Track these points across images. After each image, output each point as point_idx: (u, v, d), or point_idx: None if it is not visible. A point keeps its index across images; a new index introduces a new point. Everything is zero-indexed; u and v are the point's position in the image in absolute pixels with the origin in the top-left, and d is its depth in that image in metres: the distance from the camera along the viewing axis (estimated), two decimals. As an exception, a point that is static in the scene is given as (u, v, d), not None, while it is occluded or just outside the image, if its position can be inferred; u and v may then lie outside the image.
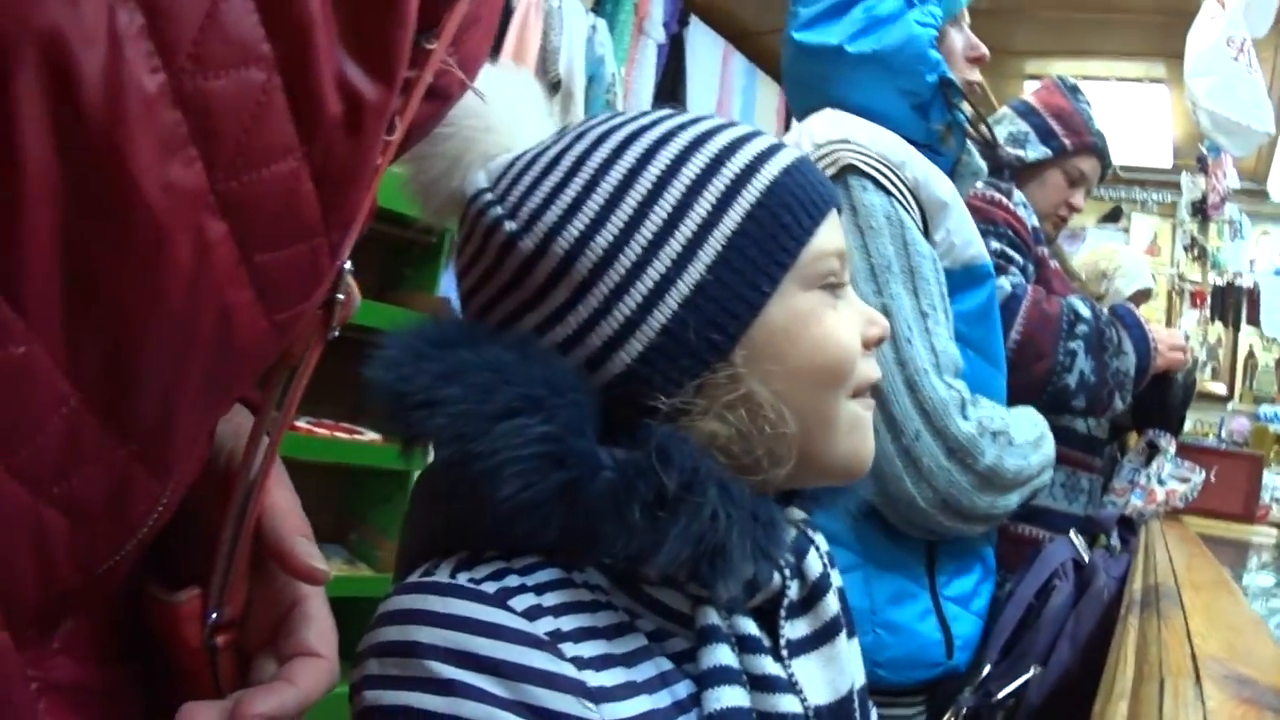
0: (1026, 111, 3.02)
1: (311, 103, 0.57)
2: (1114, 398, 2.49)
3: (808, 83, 1.97)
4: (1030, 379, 2.28)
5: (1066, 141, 2.97)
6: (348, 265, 0.72)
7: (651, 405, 0.92)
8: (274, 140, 0.57)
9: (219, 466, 0.77)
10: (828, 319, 0.98)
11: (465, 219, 1.00)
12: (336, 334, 0.75)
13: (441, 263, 3.40)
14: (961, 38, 1.98)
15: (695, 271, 0.93)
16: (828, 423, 0.98)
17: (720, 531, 0.85)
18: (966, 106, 1.99)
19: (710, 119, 1.02)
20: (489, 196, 0.97)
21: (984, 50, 2.03)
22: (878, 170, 1.73)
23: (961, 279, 1.85)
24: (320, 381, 0.78)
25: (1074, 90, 3.08)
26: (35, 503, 0.56)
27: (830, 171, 1.72)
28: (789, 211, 0.96)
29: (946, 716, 1.71)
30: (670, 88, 5.58)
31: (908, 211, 1.73)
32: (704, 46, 5.94)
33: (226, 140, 0.54)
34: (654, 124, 0.99)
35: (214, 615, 0.73)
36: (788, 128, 6.57)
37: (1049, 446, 1.86)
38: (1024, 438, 1.77)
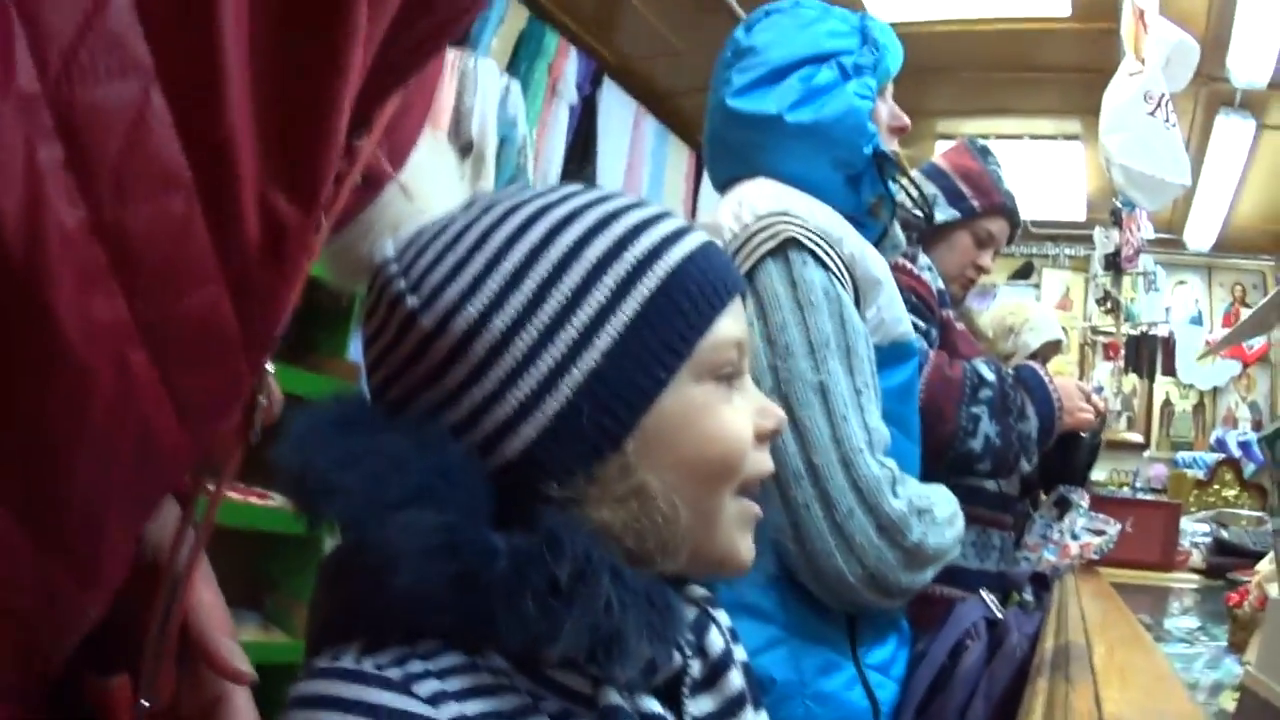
0: (935, 174, 3.05)
1: (232, 229, 0.57)
2: (1019, 460, 2.54)
3: (737, 150, 1.98)
4: (934, 443, 2.29)
5: (975, 203, 3.01)
6: (269, 367, 0.73)
7: (546, 492, 0.91)
8: (194, 268, 0.56)
9: (146, 558, 0.76)
10: (721, 411, 0.97)
11: (372, 288, 0.99)
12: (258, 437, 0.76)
13: (351, 327, 3.39)
14: (886, 108, 2.01)
15: (591, 358, 0.92)
16: (711, 517, 0.98)
17: (615, 618, 0.85)
18: (904, 180, 2.03)
19: (619, 198, 1.01)
20: (394, 269, 0.96)
21: (906, 120, 2.05)
22: (818, 245, 1.74)
23: (889, 355, 1.87)
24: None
25: (984, 151, 3.12)
26: None
27: (771, 245, 1.73)
28: (689, 300, 0.96)
29: (863, 778, 1.71)
30: (582, 149, 5.61)
31: (844, 288, 1.74)
32: (616, 108, 5.98)
33: (146, 270, 0.53)
34: (560, 201, 0.98)
35: (144, 703, 0.73)
36: (698, 190, 6.67)
37: (960, 523, 1.86)
38: (942, 515, 1.77)
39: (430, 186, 1.04)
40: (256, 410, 0.73)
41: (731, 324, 0.99)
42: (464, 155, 4.19)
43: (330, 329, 3.40)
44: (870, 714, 1.76)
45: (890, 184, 1.99)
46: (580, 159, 5.51)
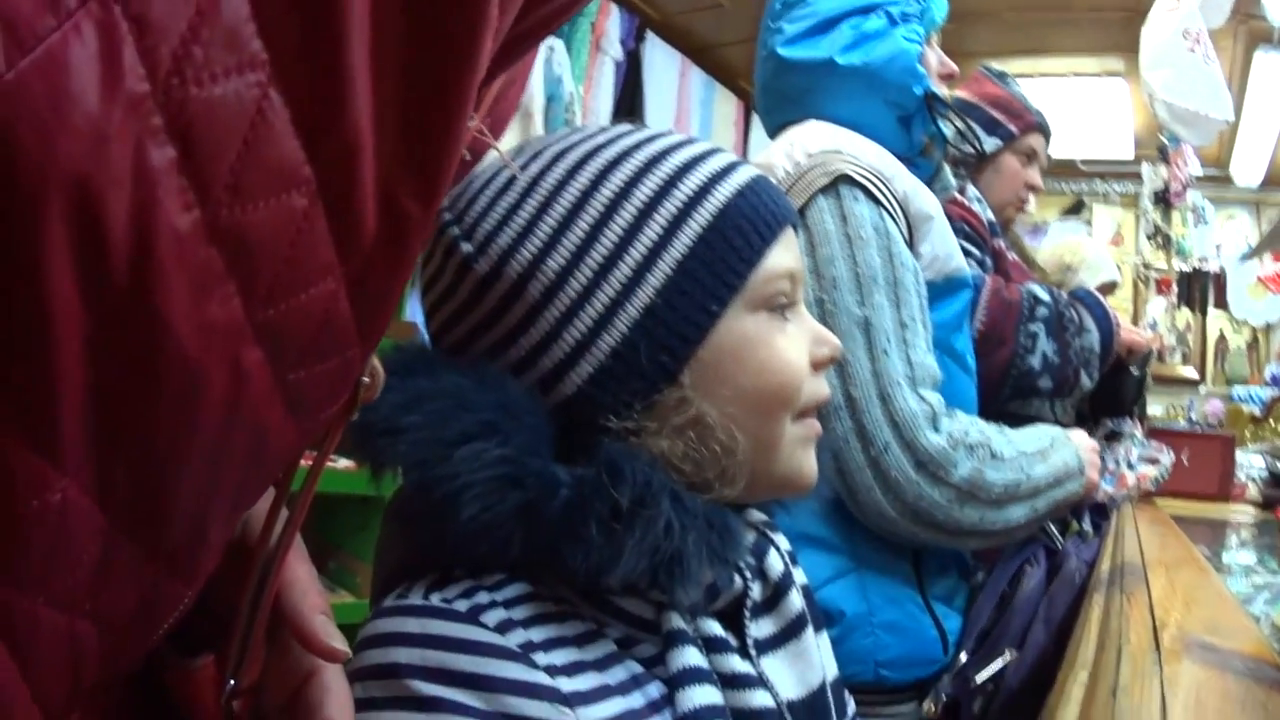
0: (964, 108, 3.01)
1: (353, 224, 0.55)
2: (1080, 376, 2.52)
3: (790, 96, 1.99)
4: (993, 365, 2.30)
5: (1012, 127, 3.03)
6: None
7: (605, 424, 0.94)
8: (313, 265, 0.54)
9: (236, 536, 0.75)
10: (776, 341, 0.99)
11: None
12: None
13: (406, 289, 3.34)
14: (934, 56, 2.01)
15: (644, 295, 0.94)
16: (772, 444, 1.00)
17: (675, 541, 0.87)
18: (953, 118, 2.03)
19: (667, 136, 1.02)
20: (447, 216, 0.98)
21: (954, 67, 2.07)
22: (870, 181, 1.74)
23: (942, 289, 1.87)
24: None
25: (1001, 75, 3.14)
26: (70, 620, 0.55)
27: (823, 181, 1.74)
28: (740, 234, 0.97)
29: (925, 703, 1.72)
30: (629, 104, 5.58)
31: (896, 223, 1.74)
32: (661, 62, 5.94)
33: (264, 271, 0.51)
34: (609, 143, 1.00)
35: (231, 682, 0.73)
36: (747, 137, 6.63)
37: (1064, 454, 1.85)
38: (1017, 449, 1.76)
39: None
40: (360, 391, 0.70)
41: (783, 255, 1.00)
42: (511, 113, 4.19)
43: (385, 292, 3.39)
44: (939, 643, 1.78)
45: (941, 124, 2.00)
46: (628, 113, 5.47)
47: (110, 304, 0.45)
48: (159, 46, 0.43)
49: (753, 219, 0.98)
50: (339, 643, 0.75)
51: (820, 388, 1.04)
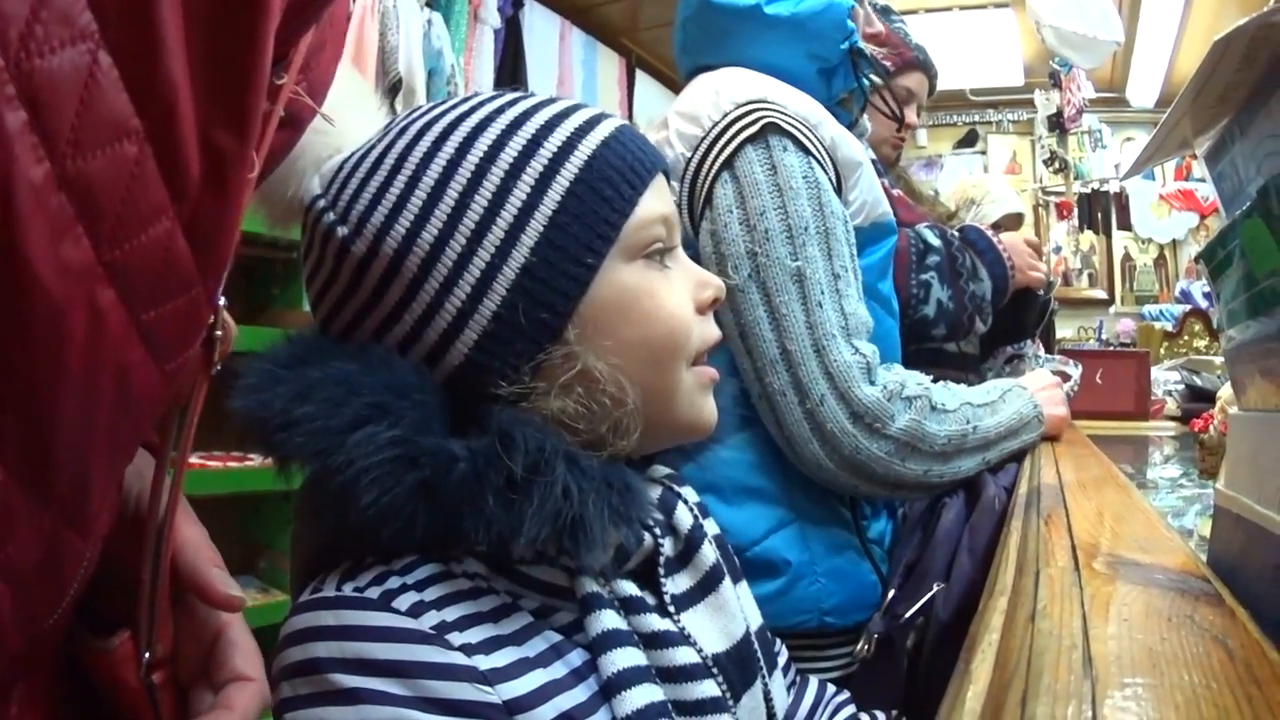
0: None
1: (179, 166, 0.62)
2: (974, 321, 2.56)
3: (712, 36, 1.97)
4: None
5: (887, 64, 3.00)
6: (221, 300, 0.76)
7: (496, 392, 0.94)
8: (148, 205, 0.61)
9: (129, 510, 0.80)
10: (658, 290, 1.00)
11: (305, 227, 1.01)
12: (219, 368, 0.80)
13: (303, 280, 3.33)
14: (861, 13, 2.02)
15: (520, 256, 0.94)
16: (670, 392, 1.01)
17: (575, 505, 0.88)
18: (874, 77, 2.06)
19: (530, 98, 1.03)
20: (322, 203, 0.98)
21: (879, 28, 2.12)
22: (798, 130, 1.74)
23: (870, 235, 1.89)
24: (205, 416, 0.81)
25: (885, 10, 3.11)
26: None
27: (751, 130, 1.73)
28: (609, 185, 0.98)
29: (860, 645, 1.72)
30: (511, 70, 5.56)
31: (825, 172, 1.75)
32: (540, 25, 5.93)
33: (107, 213, 0.58)
34: (472, 111, 1.00)
35: (147, 655, 0.77)
36: (631, 97, 6.66)
37: (1016, 403, 1.87)
38: (961, 401, 1.78)
39: (353, 122, 1.05)
40: (215, 343, 0.77)
41: (655, 201, 1.01)
42: (395, 92, 4.21)
43: (284, 285, 3.39)
44: (878, 587, 1.81)
45: (863, 80, 2.02)
46: (510, 80, 5.45)
47: None
48: (8, 29, 0.51)
49: (620, 169, 0.99)
50: (236, 590, 0.83)
51: (709, 330, 1.06)
